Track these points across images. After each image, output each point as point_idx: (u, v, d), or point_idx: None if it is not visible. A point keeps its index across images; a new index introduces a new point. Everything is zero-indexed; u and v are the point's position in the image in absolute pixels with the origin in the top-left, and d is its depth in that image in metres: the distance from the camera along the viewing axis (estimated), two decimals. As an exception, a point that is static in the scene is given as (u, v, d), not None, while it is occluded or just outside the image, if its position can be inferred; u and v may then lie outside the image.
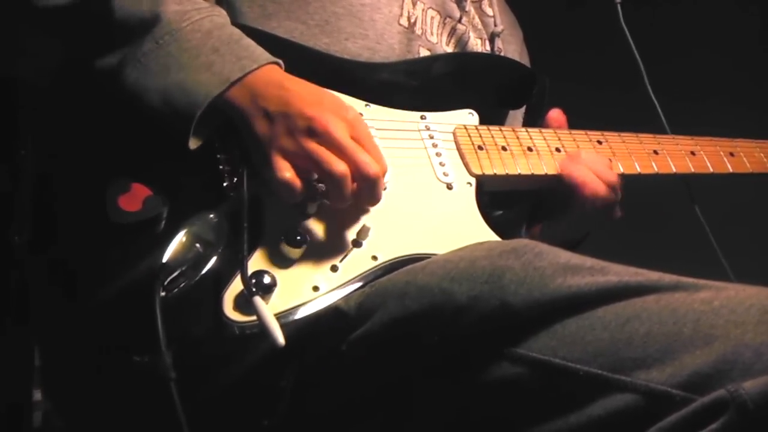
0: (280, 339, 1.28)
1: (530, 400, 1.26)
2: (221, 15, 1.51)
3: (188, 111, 1.39)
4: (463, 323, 1.30)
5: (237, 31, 1.48)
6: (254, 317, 1.33)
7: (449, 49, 1.84)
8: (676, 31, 2.62)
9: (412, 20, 1.78)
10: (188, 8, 1.45)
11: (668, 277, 1.25)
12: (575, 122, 1.79)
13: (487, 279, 1.30)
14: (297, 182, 1.39)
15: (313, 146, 1.39)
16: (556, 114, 1.77)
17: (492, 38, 1.93)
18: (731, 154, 1.88)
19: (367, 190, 1.43)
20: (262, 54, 1.46)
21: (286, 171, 1.39)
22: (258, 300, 1.32)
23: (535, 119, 1.85)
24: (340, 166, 1.39)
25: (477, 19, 1.93)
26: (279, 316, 1.35)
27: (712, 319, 1.16)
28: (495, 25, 1.94)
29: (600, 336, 1.21)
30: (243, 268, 1.34)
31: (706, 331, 1.15)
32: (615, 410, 1.17)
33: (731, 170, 1.86)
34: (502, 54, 1.95)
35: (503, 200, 1.80)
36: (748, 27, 2.69)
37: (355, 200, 1.43)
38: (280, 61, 1.48)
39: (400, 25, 1.76)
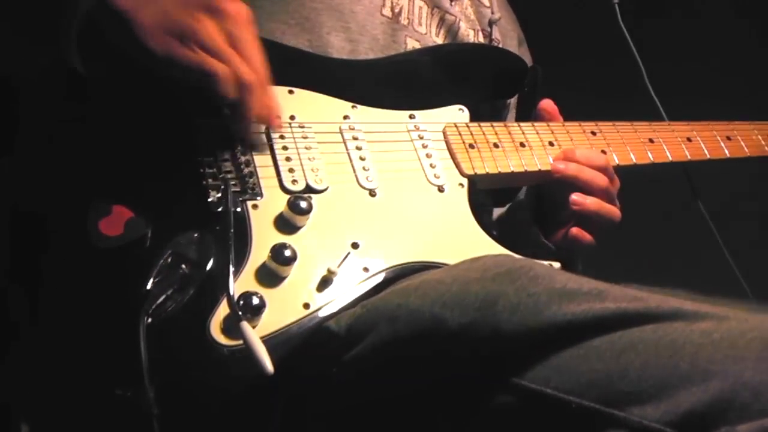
0: (269, 367, 1.26)
1: (521, 431, 1.24)
2: None
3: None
4: (454, 350, 1.28)
5: None
6: (242, 341, 1.30)
7: (439, 40, 1.80)
8: (674, 27, 2.56)
9: (396, 10, 1.73)
10: None
11: (668, 304, 1.21)
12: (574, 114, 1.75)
13: (480, 305, 1.27)
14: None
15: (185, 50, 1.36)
16: (546, 104, 1.73)
17: (489, 26, 1.88)
18: (728, 138, 1.84)
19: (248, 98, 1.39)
20: None
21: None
22: (245, 326, 1.29)
23: (529, 110, 1.81)
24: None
25: (470, 9, 1.88)
26: (269, 338, 1.33)
27: (711, 354, 1.13)
28: (492, 13, 1.89)
29: (594, 367, 1.18)
30: (229, 293, 1.31)
31: (704, 366, 1.12)
32: None
33: (728, 155, 1.82)
34: (500, 44, 1.90)
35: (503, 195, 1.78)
36: (745, 18, 2.62)
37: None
38: None
39: (383, 15, 1.72)
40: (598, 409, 1.16)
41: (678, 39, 2.58)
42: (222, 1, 1.37)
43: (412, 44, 1.75)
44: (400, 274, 1.43)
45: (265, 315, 1.34)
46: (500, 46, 1.90)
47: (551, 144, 1.68)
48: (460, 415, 1.28)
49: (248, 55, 1.38)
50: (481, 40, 1.88)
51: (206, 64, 1.36)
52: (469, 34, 1.85)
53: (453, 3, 1.83)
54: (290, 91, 1.56)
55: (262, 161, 1.47)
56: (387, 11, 1.72)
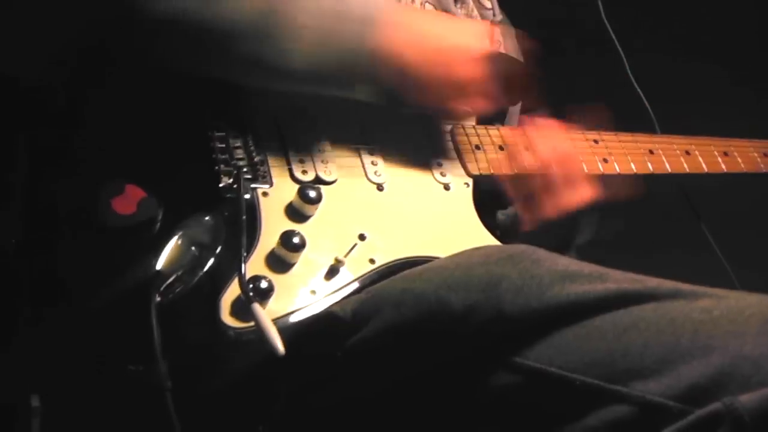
0: (280, 348, 1.26)
1: (526, 410, 1.25)
2: None
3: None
4: (459, 332, 1.29)
5: None
6: (252, 323, 1.32)
7: None
8: (660, 24, 2.57)
9: None
10: None
11: (667, 285, 1.24)
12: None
13: (484, 287, 1.29)
14: None
15: None
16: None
17: None
18: (725, 154, 1.88)
19: None
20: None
21: None
22: (257, 307, 1.30)
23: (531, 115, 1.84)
24: None
25: (476, 12, 1.91)
26: (276, 322, 1.34)
27: (711, 330, 1.16)
28: (494, 16, 1.93)
29: (597, 345, 1.20)
30: (241, 274, 1.33)
31: (705, 341, 1.14)
32: (611, 421, 1.16)
33: (725, 170, 1.86)
34: (501, 46, 1.93)
35: None
36: (735, 14, 2.63)
37: None
38: None
39: None
40: (601, 386, 1.18)
41: (662, 33, 2.59)
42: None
43: None
44: (404, 267, 1.45)
45: (273, 299, 1.36)
46: (502, 47, 1.93)
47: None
48: (465, 396, 1.30)
49: None
50: None
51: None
52: None
53: (458, 5, 1.86)
54: None
55: (273, 150, 1.50)
56: None
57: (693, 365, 1.13)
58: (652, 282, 1.25)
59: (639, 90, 1.93)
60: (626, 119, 1.85)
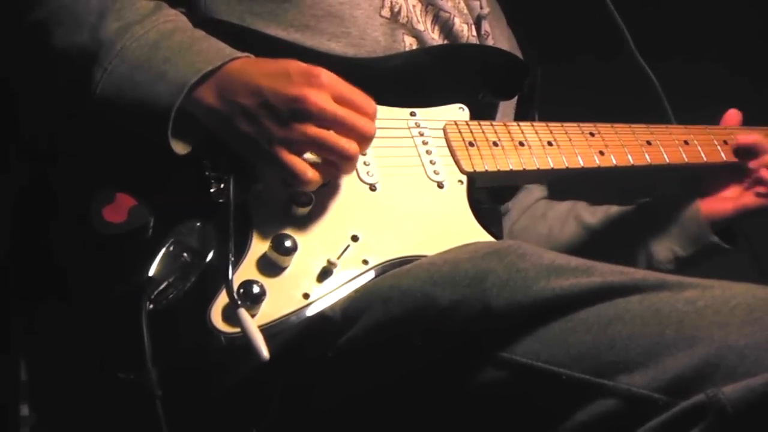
0: (264, 353, 1.27)
1: (514, 405, 1.25)
2: (169, 20, 1.46)
3: (157, 127, 1.36)
4: (446, 327, 1.30)
5: (188, 37, 1.44)
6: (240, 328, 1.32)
7: (435, 36, 1.82)
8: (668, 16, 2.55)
9: (395, 10, 1.76)
10: (131, 21, 1.41)
11: (653, 276, 1.24)
12: (572, 114, 1.77)
13: (470, 282, 1.29)
14: (316, 175, 1.40)
15: (317, 132, 1.38)
16: (732, 114, 1.87)
17: (478, 21, 1.90)
18: (725, 142, 1.86)
19: (367, 145, 1.46)
20: (218, 54, 1.42)
21: (301, 167, 1.38)
22: (242, 313, 1.31)
23: (527, 110, 1.83)
24: (352, 147, 1.40)
25: (462, 3, 1.90)
26: (268, 326, 1.35)
27: (696, 320, 1.15)
28: (481, 8, 1.92)
29: (583, 339, 1.20)
30: (228, 281, 1.33)
31: (690, 332, 1.14)
32: (598, 415, 1.16)
33: (725, 159, 1.84)
34: (489, 37, 1.93)
35: None
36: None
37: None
38: (247, 54, 1.44)
39: (382, 16, 1.74)
40: (587, 380, 1.18)
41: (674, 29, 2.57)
42: (305, 99, 1.37)
43: (409, 41, 1.77)
44: (398, 267, 1.45)
45: (265, 304, 1.37)
46: (491, 38, 1.93)
47: (550, 144, 1.70)
48: (454, 392, 1.30)
49: (350, 126, 1.41)
50: (474, 33, 1.90)
51: (343, 147, 1.41)
52: (464, 28, 1.87)
53: None
54: None
55: None
56: (386, 12, 1.75)
57: (678, 357, 1.13)
58: (638, 274, 1.25)
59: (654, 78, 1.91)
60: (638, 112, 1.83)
